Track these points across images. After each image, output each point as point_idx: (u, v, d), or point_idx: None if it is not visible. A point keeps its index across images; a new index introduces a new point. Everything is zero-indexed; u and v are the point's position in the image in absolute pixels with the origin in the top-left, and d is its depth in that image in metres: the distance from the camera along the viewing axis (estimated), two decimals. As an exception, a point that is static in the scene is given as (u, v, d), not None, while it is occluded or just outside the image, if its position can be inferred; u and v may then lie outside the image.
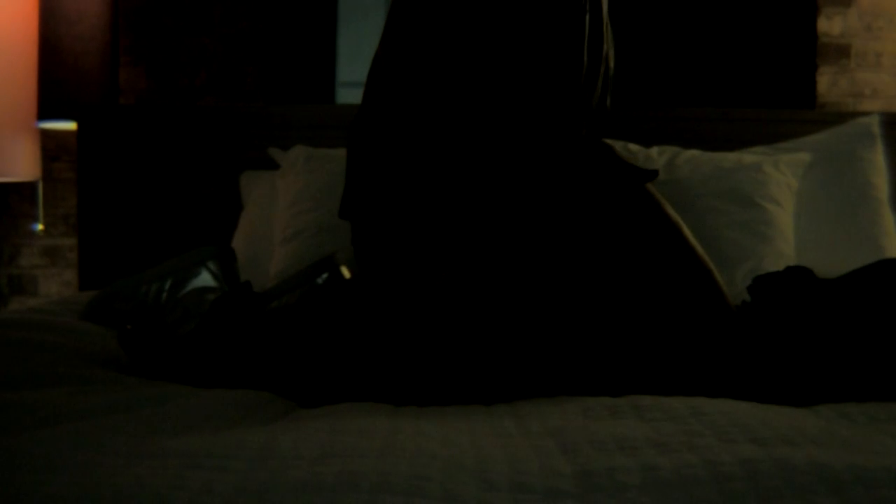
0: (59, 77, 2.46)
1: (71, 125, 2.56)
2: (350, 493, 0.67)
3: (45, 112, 2.52)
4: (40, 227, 2.70)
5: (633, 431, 0.88)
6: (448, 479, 0.72)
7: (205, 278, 1.48)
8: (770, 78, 2.82)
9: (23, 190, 2.83)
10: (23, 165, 2.53)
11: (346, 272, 1.56)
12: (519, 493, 0.70)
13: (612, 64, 1.52)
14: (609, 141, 1.80)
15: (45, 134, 2.77)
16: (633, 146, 2.15)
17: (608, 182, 1.27)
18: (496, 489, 0.71)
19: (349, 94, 2.83)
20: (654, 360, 1.18)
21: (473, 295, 1.20)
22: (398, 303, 1.28)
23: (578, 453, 0.80)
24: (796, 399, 1.09)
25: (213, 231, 2.35)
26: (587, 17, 1.39)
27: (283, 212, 1.97)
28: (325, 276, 1.64)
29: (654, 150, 2.13)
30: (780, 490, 0.69)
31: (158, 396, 1.05)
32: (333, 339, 1.23)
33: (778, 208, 2.00)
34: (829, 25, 2.82)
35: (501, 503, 0.68)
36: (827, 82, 2.82)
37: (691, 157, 2.09)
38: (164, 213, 2.43)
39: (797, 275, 1.30)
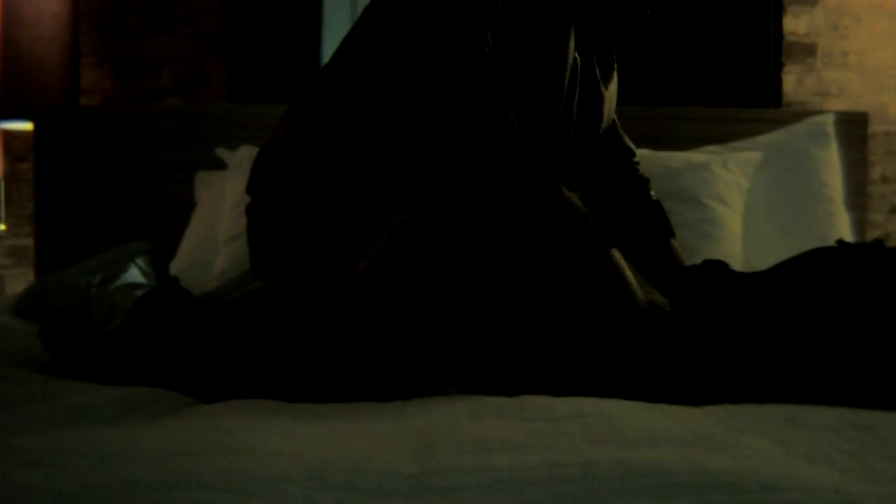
0: (18, 78, 2.46)
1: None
2: (172, 491, 0.67)
3: (5, 112, 2.53)
4: (2, 226, 2.70)
5: (501, 432, 0.87)
6: (282, 477, 0.71)
7: (133, 274, 1.49)
8: (736, 77, 2.81)
9: (-14, 190, 2.84)
10: (-17, 165, 2.54)
11: None
12: (349, 493, 0.70)
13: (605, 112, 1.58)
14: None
15: (11, 134, 2.78)
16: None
17: (515, 180, 1.27)
18: (327, 489, 0.70)
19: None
20: (554, 360, 1.18)
21: (367, 288, 1.20)
22: (292, 296, 1.29)
23: (430, 454, 0.79)
24: (692, 399, 1.08)
25: (171, 230, 2.35)
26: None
27: (228, 212, 1.98)
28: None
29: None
30: (615, 492, 0.69)
31: (48, 394, 1.05)
32: (233, 334, 1.23)
33: (725, 208, 1.99)
34: (796, 24, 2.81)
35: (327, 502, 0.68)
36: (793, 81, 2.81)
37: (640, 157, 2.08)
38: (122, 212, 2.43)
39: (710, 271, 1.30)
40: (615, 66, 1.63)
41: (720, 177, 2.02)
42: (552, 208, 1.29)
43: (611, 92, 1.64)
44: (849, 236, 2.15)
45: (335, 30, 2.87)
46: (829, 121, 2.25)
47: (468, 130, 1.30)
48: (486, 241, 1.23)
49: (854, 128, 2.39)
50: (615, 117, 1.69)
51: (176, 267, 2.03)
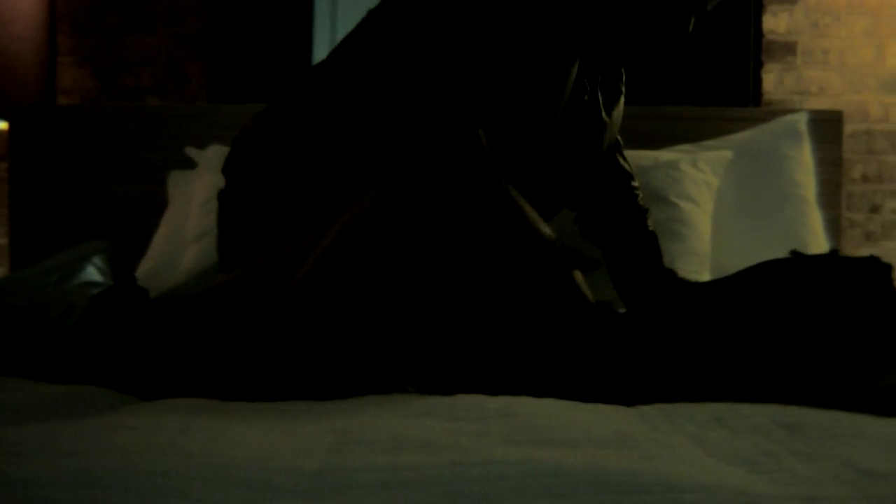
0: (-6, 77, 2.47)
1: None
2: (59, 489, 0.67)
3: (-18, 112, 2.53)
4: (-21, 226, 2.71)
5: (422, 431, 0.87)
6: (185, 475, 0.71)
7: (91, 273, 1.49)
8: (715, 76, 2.80)
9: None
10: (-40, 165, 2.55)
11: None
12: (248, 490, 0.70)
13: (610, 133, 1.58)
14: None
15: (-11, 134, 2.79)
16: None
17: (461, 182, 1.27)
18: (228, 487, 0.70)
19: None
20: (497, 358, 1.17)
21: (310, 288, 1.20)
22: (245, 294, 1.29)
23: (341, 452, 0.79)
24: (628, 398, 1.08)
25: (148, 230, 2.36)
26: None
27: (196, 210, 1.98)
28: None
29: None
30: (512, 492, 0.69)
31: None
32: (180, 333, 1.23)
33: (694, 206, 1.99)
34: (776, 23, 2.81)
35: (223, 499, 0.68)
36: (773, 80, 2.80)
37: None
38: (100, 212, 2.44)
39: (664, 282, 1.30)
40: (623, 90, 1.62)
41: (689, 175, 2.02)
42: (493, 211, 1.29)
43: (615, 117, 1.63)
44: (821, 235, 2.15)
45: (325, 31, 2.88)
46: (801, 119, 2.24)
47: (428, 135, 1.30)
48: (432, 241, 1.23)
49: (828, 126, 2.38)
50: (618, 137, 1.69)
51: (145, 265, 2.04)
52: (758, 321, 1.27)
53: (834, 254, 1.37)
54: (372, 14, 1.50)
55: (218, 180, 2.02)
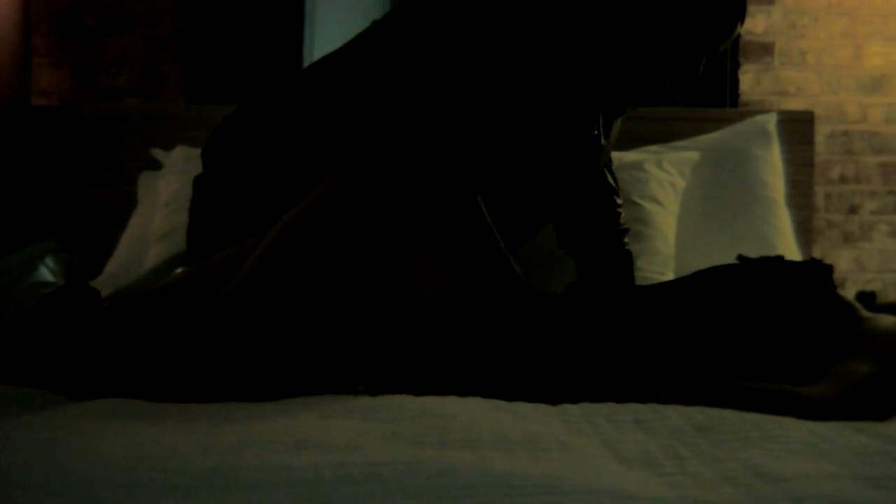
0: (-32, 78, 2.48)
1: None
2: None
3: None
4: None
5: (329, 432, 0.87)
6: (75, 473, 0.72)
7: (42, 273, 1.49)
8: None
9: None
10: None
11: None
12: (130, 490, 0.70)
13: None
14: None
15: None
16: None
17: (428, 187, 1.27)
18: (114, 487, 0.70)
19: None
20: (428, 359, 1.17)
21: (247, 287, 1.20)
22: (193, 292, 1.29)
23: (241, 452, 0.79)
24: (553, 398, 1.08)
25: (120, 230, 2.36)
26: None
27: (161, 210, 1.98)
28: (180, 269, 1.65)
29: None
30: (393, 493, 0.69)
31: None
32: (121, 333, 1.24)
33: (658, 207, 1.98)
34: (753, 23, 2.80)
35: (102, 497, 0.68)
36: (750, 80, 2.79)
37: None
38: (75, 212, 2.45)
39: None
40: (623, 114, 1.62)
41: (654, 176, 2.01)
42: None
43: (612, 138, 1.64)
44: (790, 236, 2.14)
45: (318, 32, 2.88)
46: (771, 120, 2.23)
47: (396, 132, 1.30)
48: (374, 242, 1.23)
49: (800, 127, 2.37)
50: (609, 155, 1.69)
51: (112, 265, 2.04)
52: (696, 326, 1.27)
53: (779, 259, 1.36)
54: (377, 25, 1.49)
55: (182, 181, 2.03)
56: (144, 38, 2.80)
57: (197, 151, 2.13)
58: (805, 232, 2.34)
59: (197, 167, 2.04)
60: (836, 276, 2.83)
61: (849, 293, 2.54)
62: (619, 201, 1.71)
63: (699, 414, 0.99)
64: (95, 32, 2.81)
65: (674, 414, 0.99)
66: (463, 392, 1.11)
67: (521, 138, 1.42)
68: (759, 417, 0.98)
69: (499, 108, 1.35)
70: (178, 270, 1.67)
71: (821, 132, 2.78)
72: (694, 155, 2.12)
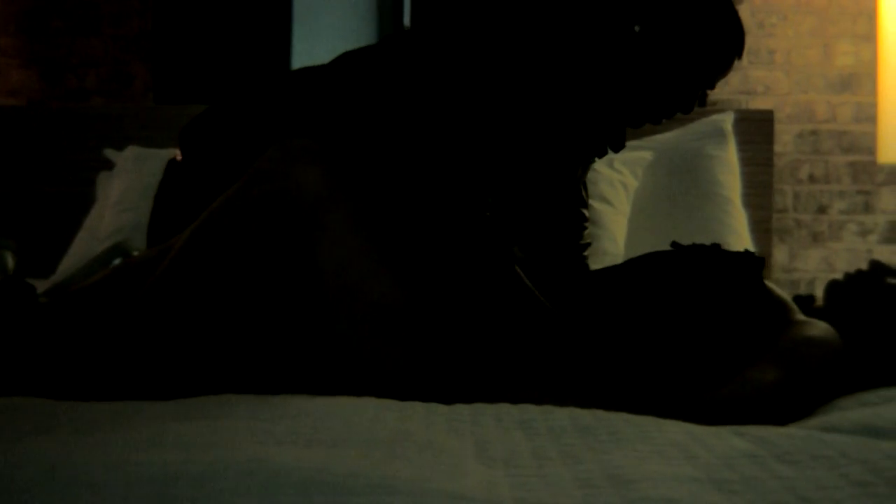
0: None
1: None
2: None
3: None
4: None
5: (203, 432, 0.87)
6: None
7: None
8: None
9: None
10: None
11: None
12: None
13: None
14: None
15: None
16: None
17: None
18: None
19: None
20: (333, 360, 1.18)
21: (162, 285, 1.20)
22: (122, 288, 1.30)
23: (103, 448, 0.79)
24: (447, 398, 1.08)
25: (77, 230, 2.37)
26: None
27: (110, 210, 1.99)
28: (117, 260, 1.65)
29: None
30: (217, 492, 0.68)
31: None
32: (42, 330, 1.24)
33: (608, 207, 1.98)
34: (721, 22, 2.78)
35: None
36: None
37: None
38: (42, 211, 2.45)
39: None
40: None
41: (604, 176, 2.01)
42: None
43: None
44: (745, 236, 2.13)
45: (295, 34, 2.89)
46: (727, 119, 2.22)
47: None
48: (283, 245, 1.22)
49: (760, 126, 2.36)
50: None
51: (65, 263, 2.05)
52: (617, 317, 1.26)
53: (711, 247, 1.35)
54: (384, 41, 1.48)
55: (132, 181, 2.04)
56: (112, 38, 2.81)
57: (149, 151, 2.15)
58: (764, 232, 2.33)
59: (145, 167, 2.06)
60: (805, 275, 2.83)
61: (817, 293, 2.53)
62: (587, 213, 1.69)
63: (588, 415, 0.99)
64: (63, 33, 2.82)
65: (563, 415, 0.99)
66: (369, 392, 1.11)
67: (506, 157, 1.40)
68: (643, 419, 0.97)
69: (482, 130, 1.33)
70: (117, 261, 1.67)
71: (789, 132, 2.77)
72: (647, 154, 2.11)
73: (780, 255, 2.74)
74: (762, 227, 2.32)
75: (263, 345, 1.23)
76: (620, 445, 0.87)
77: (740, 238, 2.09)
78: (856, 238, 2.79)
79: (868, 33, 2.72)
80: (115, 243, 1.56)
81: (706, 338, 1.24)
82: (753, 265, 1.34)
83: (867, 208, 2.79)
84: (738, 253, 1.36)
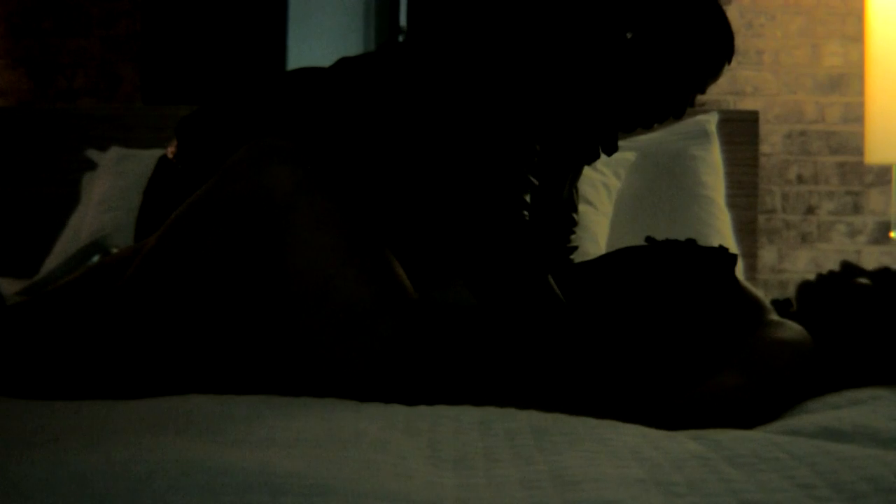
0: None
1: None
2: None
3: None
4: None
5: (183, 435, 0.87)
6: None
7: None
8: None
9: None
10: None
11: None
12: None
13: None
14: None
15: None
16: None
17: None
18: None
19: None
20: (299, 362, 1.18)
21: (134, 284, 1.20)
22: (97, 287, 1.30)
23: (17, 446, 0.79)
24: (411, 399, 1.08)
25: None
26: None
27: (92, 210, 2.00)
28: (96, 257, 1.66)
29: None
30: (136, 491, 0.69)
31: None
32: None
33: (589, 208, 1.97)
34: (709, 23, 2.78)
35: None
36: (707, 80, 2.77)
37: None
38: (32, 211, 2.46)
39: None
40: None
41: (586, 177, 1.99)
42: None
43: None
44: (729, 237, 2.13)
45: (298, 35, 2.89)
46: (711, 120, 2.22)
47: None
48: (250, 248, 1.22)
49: (745, 126, 2.36)
50: None
51: (49, 263, 2.06)
52: (591, 312, 1.26)
53: (689, 243, 1.35)
54: (386, 49, 1.47)
55: (114, 181, 2.04)
56: (101, 39, 2.81)
57: (131, 152, 2.16)
58: (749, 233, 2.33)
59: (127, 168, 2.07)
60: (794, 276, 2.82)
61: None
62: (577, 217, 1.68)
63: (547, 418, 0.99)
64: (52, 33, 2.82)
65: (522, 417, 0.99)
66: (335, 391, 1.11)
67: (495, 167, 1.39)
68: (601, 423, 0.97)
69: (477, 138, 1.33)
70: (95, 259, 1.68)
71: (778, 132, 2.76)
72: (630, 155, 2.11)
73: (768, 255, 2.74)
74: (748, 227, 2.32)
75: (230, 344, 1.23)
76: (574, 447, 0.87)
77: (724, 238, 2.09)
78: (844, 239, 2.79)
79: (856, 34, 2.72)
80: (94, 240, 1.56)
81: (675, 338, 1.24)
82: (726, 262, 1.34)
83: (856, 209, 2.78)
84: (711, 249, 1.35)
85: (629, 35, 1.34)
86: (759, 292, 1.37)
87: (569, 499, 0.70)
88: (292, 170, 1.21)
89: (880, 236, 2.77)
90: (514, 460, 0.83)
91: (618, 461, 0.82)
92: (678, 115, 1.41)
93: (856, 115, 2.73)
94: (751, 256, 2.33)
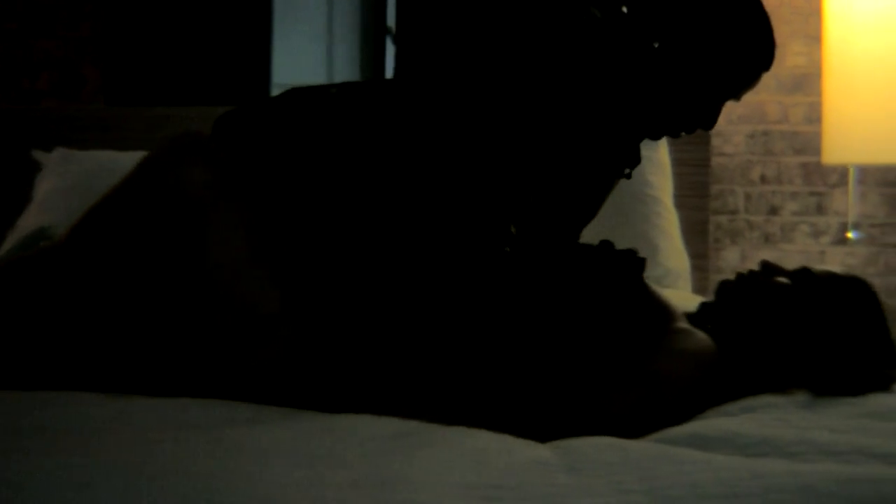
0: None
1: None
2: None
3: None
4: None
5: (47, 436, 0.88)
6: None
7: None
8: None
9: None
10: None
11: None
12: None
13: None
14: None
15: None
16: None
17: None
18: None
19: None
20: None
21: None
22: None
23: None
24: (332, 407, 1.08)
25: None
26: None
27: (34, 210, 2.01)
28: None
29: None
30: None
31: None
32: None
33: (530, 209, 1.97)
34: (672, 22, 2.77)
35: None
36: (669, 80, 2.76)
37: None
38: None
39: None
40: None
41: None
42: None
43: None
44: (677, 237, 2.13)
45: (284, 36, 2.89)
46: (659, 121, 2.21)
47: None
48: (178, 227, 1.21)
49: (697, 127, 2.34)
50: None
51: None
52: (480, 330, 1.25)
53: (602, 245, 1.33)
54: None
55: (57, 182, 2.05)
56: (65, 40, 2.83)
57: (75, 153, 2.16)
58: (700, 233, 2.32)
59: (70, 169, 2.08)
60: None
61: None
62: None
63: (415, 425, 0.98)
64: (17, 35, 2.83)
65: (389, 422, 0.98)
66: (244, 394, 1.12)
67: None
68: (465, 430, 0.96)
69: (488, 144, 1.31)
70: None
71: (741, 132, 2.75)
72: (574, 156, 2.10)
73: (731, 256, 2.72)
74: (698, 228, 2.31)
75: (137, 343, 1.23)
76: (421, 451, 0.87)
77: (671, 239, 2.09)
78: (808, 239, 2.77)
79: (820, 34, 2.70)
80: (39, 228, 1.59)
81: (569, 346, 1.23)
82: (633, 266, 1.33)
83: (819, 210, 2.76)
84: (619, 252, 1.34)
85: (656, 45, 1.30)
86: (666, 296, 1.36)
87: (381, 499, 0.70)
88: (207, 168, 1.21)
89: (844, 237, 2.76)
90: (357, 462, 0.83)
91: (454, 466, 0.82)
92: (708, 126, 1.35)
93: (819, 115, 2.71)
94: (702, 257, 2.32)
